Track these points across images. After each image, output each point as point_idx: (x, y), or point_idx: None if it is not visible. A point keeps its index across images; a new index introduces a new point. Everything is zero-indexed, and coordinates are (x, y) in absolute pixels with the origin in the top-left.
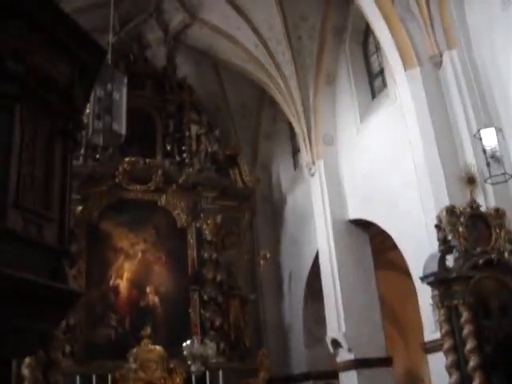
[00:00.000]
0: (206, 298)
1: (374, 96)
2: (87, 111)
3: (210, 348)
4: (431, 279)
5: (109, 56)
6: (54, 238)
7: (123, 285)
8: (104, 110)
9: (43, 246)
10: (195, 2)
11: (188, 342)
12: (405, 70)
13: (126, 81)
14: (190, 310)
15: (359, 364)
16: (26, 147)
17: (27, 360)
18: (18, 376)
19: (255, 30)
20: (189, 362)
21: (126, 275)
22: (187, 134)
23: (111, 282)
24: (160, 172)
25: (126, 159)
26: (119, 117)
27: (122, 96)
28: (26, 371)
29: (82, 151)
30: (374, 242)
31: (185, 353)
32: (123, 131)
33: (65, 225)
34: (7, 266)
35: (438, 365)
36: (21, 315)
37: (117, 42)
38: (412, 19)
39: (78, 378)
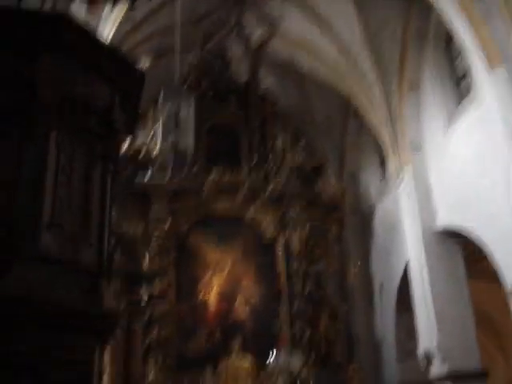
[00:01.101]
0: (295, 310)
1: (460, 100)
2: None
3: (297, 359)
4: None
5: (176, 76)
6: (93, 261)
7: (212, 298)
8: (172, 129)
9: (79, 269)
10: (276, 13)
11: (274, 353)
12: (489, 69)
13: (193, 99)
14: (276, 323)
15: (453, 377)
16: (61, 171)
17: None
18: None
19: (336, 39)
20: (276, 374)
21: (215, 289)
22: (272, 146)
23: (201, 296)
24: (246, 185)
25: (213, 174)
26: (187, 135)
27: (189, 114)
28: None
29: (170, 168)
30: (466, 251)
31: (272, 364)
32: (191, 149)
33: (103, 247)
34: (42, 288)
35: None
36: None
37: (200, 59)
38: (495, 16)
39: None
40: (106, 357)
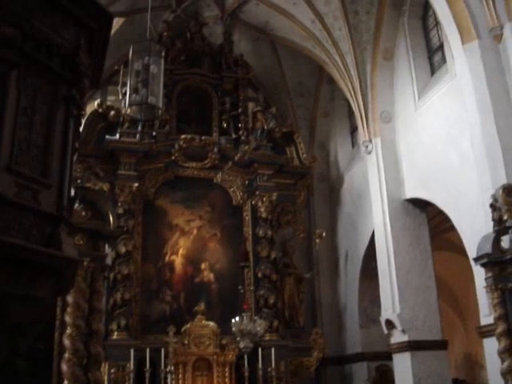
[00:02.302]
0: (260, 275)
1: (433, 72)
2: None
3: (259, 325)
4: (485, 260)
5: (148, 28)
6: (52, 204)
7: (178, 261)
8: (141, 83)
9: (38, 212)
10: None
11: (237, 318)
12: (463, 44)
13: (163, 54)
14: (240, 287)
15: (413, 346)
16: (22, 112)
17: (68, 330)
18: (59, 346)
19: (311, 6)
20: (237, 339)
21: (181, 251)
22: (243, 111)
23: (166, 258)
24: (216, 149)
25: (183, 136)
26: (157, 90)
27: (159, 69)
28: (66, 341)
29: (139, 128)
30: (432, 223)
31: (233, 329)
32: (160, 104)
33: (64, 192)
34: None
35: (493, 350)
36: (15, 281)
37: (174, 19)
38: None
39: (132, 351)
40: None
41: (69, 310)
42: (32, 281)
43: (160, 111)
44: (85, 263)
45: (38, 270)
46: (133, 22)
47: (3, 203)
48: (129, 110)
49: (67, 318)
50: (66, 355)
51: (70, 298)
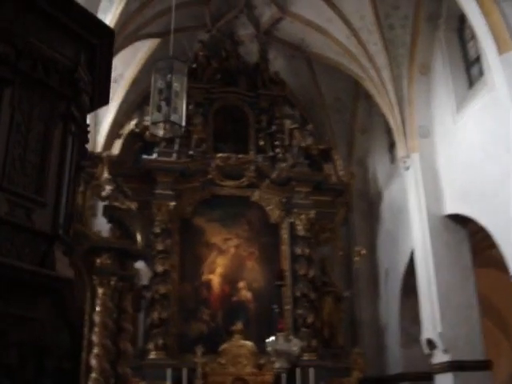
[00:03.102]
0: (298, 294)
1: (471, 84)
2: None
3: (295, 345)
4: None
5: (171, 45)
6: (47, 223)
7: (216, 280)
8: (164, 101)
9: (31, 230)
10: None
11: (272, 338)
12: (499, 54)
13: (186, 71)
14: (274, 307)
15: (456, 366)
16: (16, 129)
17: (95, 350)
18: (86, 366)
19: (346, 21)
20: (273, 359)
21: (218, 270)
22: (280, 128)
23: (204, 277)
24: (253, 167)
25: (219, 155)
26: (179, 107)
27: (182, 87)
28: (93, 361)
29: (176, 148)
30: (474, 239)
31: (268, 349)
32: (183, 122)
33: (60, 210)
34: None
35: None
36: (7, 301)
37: (209, 39)
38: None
39: (169, 370)
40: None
41: (96, 329)
42: (26, 301)
43: (182, 129)
44: (112, 282)
45: (32, 290)
46: (168, 42)
47: None
48: (152, 128)
49: (94, 338)
50: (93, 375)
51: (96, 318)
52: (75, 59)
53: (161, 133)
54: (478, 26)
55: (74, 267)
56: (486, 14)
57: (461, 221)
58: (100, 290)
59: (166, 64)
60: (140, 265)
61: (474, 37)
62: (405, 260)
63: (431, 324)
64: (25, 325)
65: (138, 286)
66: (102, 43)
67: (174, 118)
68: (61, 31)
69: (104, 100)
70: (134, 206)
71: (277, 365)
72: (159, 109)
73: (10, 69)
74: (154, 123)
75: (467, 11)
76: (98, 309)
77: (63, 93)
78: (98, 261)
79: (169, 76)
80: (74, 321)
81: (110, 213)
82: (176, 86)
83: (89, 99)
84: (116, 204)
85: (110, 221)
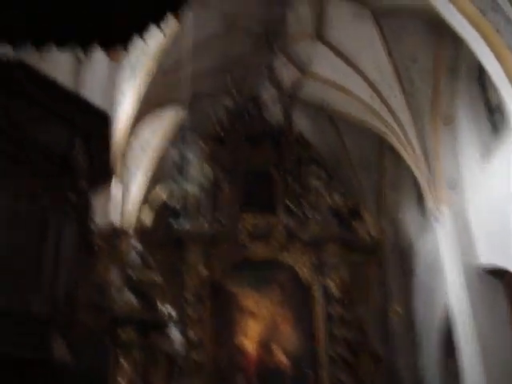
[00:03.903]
0: (334, 355)
1: (496, 132)
2: None
3: None
4: None
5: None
6: (43, 307)
7: (250, 345)
8: (178, 171)
9: (28, 316)
10: (303, 56)
11: None
12: None
13: (200, 143)
14: (307, 370)
15: None
16: (13, 217)
17: None
18: None
19: (366, 78)
20: None
21: (252, 335)
22: (307, 188)
23: (238, 342)
24: (281, 229)
25: (247, 218)
26: (196, 178)
27: (197, 158)
28: None
29: (204, 213)
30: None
31: None
32: (198, 192)
33: (57, 295)
34: None
35: None
36: None
37: (233, 104)
38: None
39: None
40: None
41: None
42: None
43: (198, 198)
44: (136, 354)
45: (30, 377)
46: (193, 109)
47: None
48: (168, 199)
49: None
50: None
51: None
52: (70, 145)
53: (177, 204)
54: (495, 74)
55: (97, 340)
56: (502, 62)
57: (496, 272)
58: (124, 363)
59: (180, 136)
60: (172, 332)
61: (494, 84)
62: (442, 315)
63: (473, 381)
64: None
65: (169, 355)
66: (98, 126)
67: (189, 188)
68: (55, 118)
69: (106, 180)
70: (157, 277)
71: None
72: (175, 180)
73: (6, 159)
74: (170, 194)
75: (483, 60)
76: (122, 382)
77: (59, 179)
78: (122, 333)
79: (183, 147)
80: None
81: (133, 284)
82: (190, 157)
83: (88, 181)
84: (139, 275)
85: (132, 292)
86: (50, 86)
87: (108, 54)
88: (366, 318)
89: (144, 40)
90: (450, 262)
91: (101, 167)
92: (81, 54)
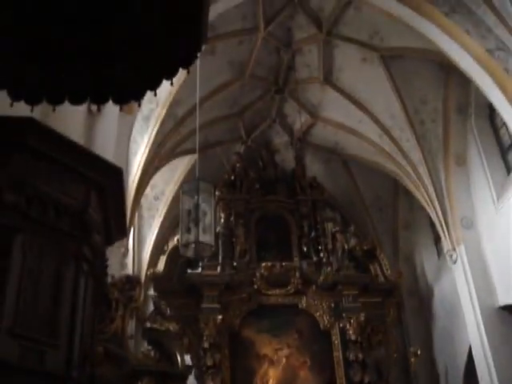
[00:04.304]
0: None
1: (509, 171)
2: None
3: None
4: None
5: (197, 168)
6: (60, 365)
7: None
8: (193, 222)
9: (44, 374)
10: (314, 102)
11: None
12: None
13: (213, 191)
14: None
15: None
16: (28, 274)
17: None
18: None
19: (377, 121)
20: None
21: (271, 382)
22: (322, 232)
23: None
24: (298, 274)
25: (263, 264)
26: (209, 228)
27: (210, 207)
28: None
29: (220, 260)
30: None
31: None
32: (212, 242)
33: (73, 351)
34: None
35: None
36: None
37: (245, 150)
38: None
39: None
40: None
41: None
42: None
43: (212, 248)
44: None
45: None
46: (206, 157)
47: (6, 368)
48: (182, 250)
49: None
50: None
51: None
52: (85, 201)
53: (191, 254)
54: (506, 112)
55: None
56: (511, 100)
57: None
58: None
59: (193, 185)
60: (191, 381)
61: (505, 123)
62: (464, 356)
63: None
64: None
65: None
66: (111, 181)
67: (203, 238)
68: (69, 174)
69: (121, 232)
70: (173, 326)
71: None
72: (188, 230)
73: (20, 217)
74: (184, 245)
75: (493, 99)
76: None
77: (74, 234)
78: None
79: (196, 197)
80: None
81: (149, 335)
82: (203, 205)
83: (103, 235)
84: (155, 326)
85: (149, 343)
86: (64, 144)
87: (121, 108)
88: (386, 362)
89: (156, 94)
90: (468, 302)
91: (116, 221)
92: (93, 107)
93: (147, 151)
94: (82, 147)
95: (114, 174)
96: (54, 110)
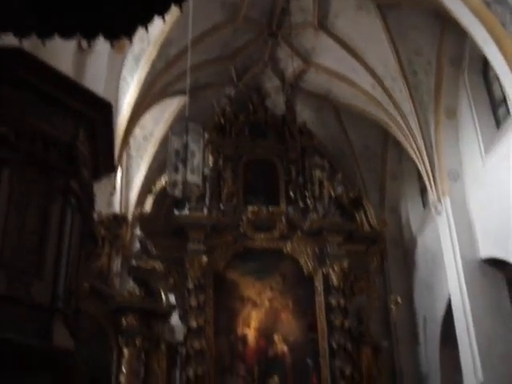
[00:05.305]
0: (335, 346)
1: (498, 125)
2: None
3: None
4: None
5: (186, 107)
6: (46, 296)
7: (251, 334)
8: (181, 162)
9: (30, 304)
10: (308, 47)
11: None
12: None
13: (202, 132)
14: (308, 360)
15: None
16: (15, 207)
17: None
18: None
19: (370, 70)
20: None
21: (253, 324)
22: (310, 179)
23: (239, 332)
24: (284, 219)
25: (250, 208)
26: (197, 168)
27: (199, 148)
28: None
29: (207, 202)
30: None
31: None
32: (200, 182)
33: (59, 283)
34: None
35: None
36: (6, 376)
37: (236, 93)
38: None
39: None
40: None
41: None
42: (26, 374)
43: (200, 188)
44: (137, 342)
45: (31, 363)
46: (196, 99)
47: None
48: (169, 189)
49: None
50: None
51: (123, 379)
52: (73, 134)
53: (178, 193)
54: (500, 67)
55: (100, 328)
56: (507, 57)
57: (497, 264)
58: (126, 351)
59: (182, 126)
60: (175, 321)
61: (498, 77)
62: (442, 307)
63: (472, 372)
64: None
65: (171, 343)
66: (100, 116)
67: (190, 178)
68: (58, 108)
69: (109, 168)
70: (158, 265)
71: None
72: (176, 170)
73: (8, 148)
74: (172, 185)
75: (488, 53)
76: (124, 370)
77: (61, 168)
78: (124, 321)
79: (185, 137)
80: None
81: (134, 273)
82: (192, 146)
83: (90, 170)
84: (140, 264)
85: (134, 280)
86: (53, 76)
87: (112, 45)
88: (367, 309)
89: (147, 30)
90: (450, 253)
91: (104, 156)
92: (83, 44)
93: (137, 91)
94: (72, 80)
95: (103, 109)
96: (43, 44)
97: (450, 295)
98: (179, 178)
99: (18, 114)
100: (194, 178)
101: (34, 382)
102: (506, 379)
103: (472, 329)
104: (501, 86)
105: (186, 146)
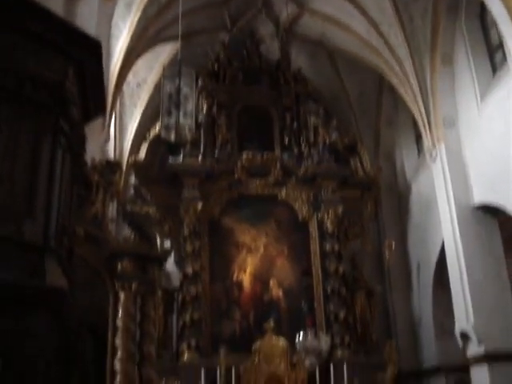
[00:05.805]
0: (329, 290)
1: (494, 72)
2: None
3: (324, 341)
4: None
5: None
6: (37, 235)
7: (246, 279)
8: (174, 105)
9: (21, 243)
10: None
11: (302, 334)
12: None
13: (194, 76)
14: (303, 304)
15: (491, 358)
16: (4, 145)
17: (119, 354)
18: (111, 370)
19: (366, 15)
20: (302, 356)
21: (248, 269)
22: (305, 125)
23: (234, 277)
24: (279, 165)
25: (244, 155)
26: (190, 113)
27: (192, 92)
28: (118, 365)
29: (201, 149)
30: (505, 229)
31: (297, 346)
32: (193, 126)
33: (50, 222)
34: None
35: None
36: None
37: (230, 39)
38: None
39: (203, 370)
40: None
41: (119, 334)
42: (20, 314)
43: (193, 132)
44: (133, 287)
45: (25, 302)
46: (189, 45)
47: None
48: (163, 133)
49: (118, 342)
50: (118, 379)
51: (119, 322)
52: (62, 73)
53: (172, 137)
54: (498, 11)
55: (97, 273)
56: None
57: (490, 211)
58: (122, 295)
59: (175, 70)
60: (171, 267)
61: (495, 24)
62: (436, 252)
63: (464, 316)
64: (27, 340)
65: (167, 289)
66: (90, 55)
67: (184, 121)
68: (47, 46)
69: (99, 110)
70: (152, 210)
71: (307, 362)
72: (169, 113)
73: None
74: (165, 128)
75: None
76: (120, 313)
77: (51, 107)
78: (119, 266)
79: (177, 81)
80: (73, 329)
81: (129, 218)
82: (185, 90)
83: (80, 111)
84: (135, 209)
85: (129, 225)
86: (42, 14)
87: None
88: (362, 254)
89: None
90: (444, 200)
91: (94, 96)
92: None
93: (130, 37)
94: (60, 17)
95: (93, 47)
96: None
97: (443, 241)
98: (172, 121)
99: (4, 52)
100: (187, 122)
101: (31, 320)
102: (497, 323)
103: (465, 274)
104: (498, 30)
105: (178, 90)
